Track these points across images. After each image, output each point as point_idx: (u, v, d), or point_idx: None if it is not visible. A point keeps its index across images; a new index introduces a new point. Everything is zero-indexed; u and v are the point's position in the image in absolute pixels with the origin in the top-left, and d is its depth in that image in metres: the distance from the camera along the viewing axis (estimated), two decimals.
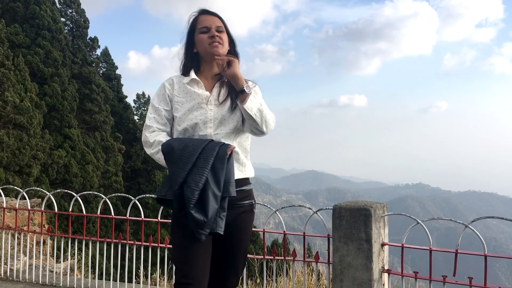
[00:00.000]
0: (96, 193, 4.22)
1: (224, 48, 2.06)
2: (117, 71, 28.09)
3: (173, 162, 1.87)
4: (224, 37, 2.07)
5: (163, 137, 2.03)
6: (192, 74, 2.09)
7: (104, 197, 3.67)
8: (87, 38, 25.12)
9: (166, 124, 2.08)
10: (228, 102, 2.05)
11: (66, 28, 23.33)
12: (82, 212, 3.85)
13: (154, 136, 2.03)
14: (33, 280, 3.97)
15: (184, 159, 1.85)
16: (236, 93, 2.00)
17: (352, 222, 2.61)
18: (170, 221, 2.12)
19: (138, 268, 3.85)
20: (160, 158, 1.98)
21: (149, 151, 2.05)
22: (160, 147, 1.97)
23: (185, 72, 2.14)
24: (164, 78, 2.21)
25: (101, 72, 26.78)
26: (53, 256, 3.86)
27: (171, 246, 2.18)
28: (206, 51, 2.06)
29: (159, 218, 3.41)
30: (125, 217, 3.63)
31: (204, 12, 2.10)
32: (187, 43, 2.13)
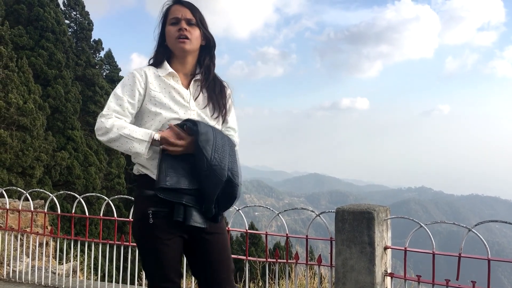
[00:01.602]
0: (98, 195, 4.24)
1: (192, 45, 1.94)
2: (120, 73, 28.16)
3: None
4: (195, 31, 1.93)
5: (123, 122, 1.82)
6: (168, 67, 1.95)
7: (106, 199, 3.68)
8: (91, 40, 25.19)
9: (127, 116, 1.86)
10: (208, 110, 1.96)
11: (70, 30, 23.40)
12: (85, 214, 3.86)
13: (112, 121, 1.80)
14: (36, 282, 3.98)
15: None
16: (217, 102, 1.96)
17: (355, 225, 2.61)
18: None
19: (140, 270, 3.85)
20: (121, 144, 1.78)
21: (104, 137, 1.79)
22: (120, 134, 1.77)
23: (156, 63, 1.98)
24: None
25: (104, 74, 26.85)
26: (56, 258, 3.87)
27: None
28: (173, 46, 1.95)
29: None
30: (127, 219, 3.63)
31: (177, 2, 1.96)
32: (160, 33, 2.00)
